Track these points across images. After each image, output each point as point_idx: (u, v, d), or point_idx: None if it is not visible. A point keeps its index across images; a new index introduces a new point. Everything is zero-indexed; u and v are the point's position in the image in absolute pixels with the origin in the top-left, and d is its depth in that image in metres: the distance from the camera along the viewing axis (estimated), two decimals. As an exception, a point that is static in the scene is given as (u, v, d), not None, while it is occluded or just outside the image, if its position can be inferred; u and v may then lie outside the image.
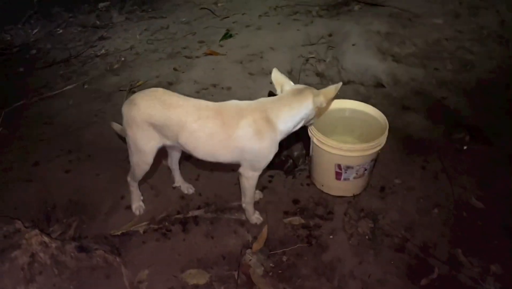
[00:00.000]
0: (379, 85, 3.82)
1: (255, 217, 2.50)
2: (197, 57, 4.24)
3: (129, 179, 2.48)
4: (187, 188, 2.71)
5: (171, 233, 2.45)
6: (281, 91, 2.26)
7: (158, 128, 2.18)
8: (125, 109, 2.25)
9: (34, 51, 5.05)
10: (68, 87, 4.00)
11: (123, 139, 2.50)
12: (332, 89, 2.20)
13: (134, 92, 3.72)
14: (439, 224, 2.52)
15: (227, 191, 2.72)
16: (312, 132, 2.50)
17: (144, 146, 2.26)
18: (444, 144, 3.07)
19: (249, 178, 2.28)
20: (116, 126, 2.55)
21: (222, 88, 3.64)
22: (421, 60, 3.95)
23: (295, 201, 2.66)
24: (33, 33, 5.70)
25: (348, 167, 2.49)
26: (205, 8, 5.58)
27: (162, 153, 2.40)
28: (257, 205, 2.61)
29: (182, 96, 2.22)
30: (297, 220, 2.53)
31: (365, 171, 2.56)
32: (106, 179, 2.83)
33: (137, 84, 3.85)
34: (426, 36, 4.32)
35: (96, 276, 2.14)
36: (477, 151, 3.03)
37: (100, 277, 2.15)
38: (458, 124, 3.27)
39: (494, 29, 4.46)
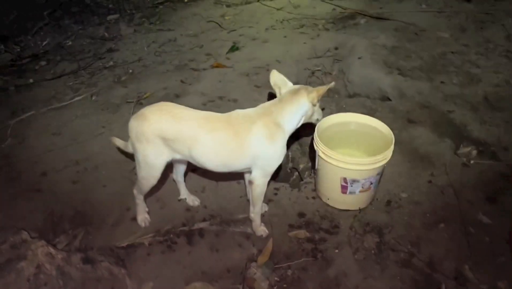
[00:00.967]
0: (385, 98, 3.82)
1: (262, 229, 2.50)
2: (204, 69, 4.27)
3: (135, 192, 2.50)
4: (192, 200, 2.71)
5: (176, 245, 2.45)
6: (280, 93, 2.34)
7: (169, 142, 2.20)
8: (133, 123, 2.26)
9: (43, 63, 5.12)
10: (77, 98, 4.04)
11: (125, 153, 2.52)
12: (324, 87, 2.28)
13: (141, 104, 3.78)
14: (445, 239, 2.50)
15: (233, 204, 2.73)
16: (318, 145, 2.50)
17: (153, 160, 2.27)
18: (451, 158, 3.06)
19: (260, 184, 2.30)
20: (118, 141, 2.56)
21: (229, 100, 3.66)
22: (427, 73, 3.96)
23: (301, 214, 2.66)
24: (43, 44, 5.79)
25: (354, 181, 2.49)
26: (212, 21, 5.64)
27: (168, 166, 2.42)
28: (262, 218, 2.61)
29: (191, 109, 2.26)
30: (302, 233, 2.52)
31: (371, 185, 2.55)
32: (112, 190, 2.85)
33: (144, 96, 3.88)
34: (432, 49, 4.33)
35: (101, 288, 2.14)
36: (484, 165, 3.01)
37: (105, 289, 2.15)
38: (464, 138, 3.26)
39: (500, 43, 4.46)
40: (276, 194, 2.81)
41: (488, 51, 4.35)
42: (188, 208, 2.70)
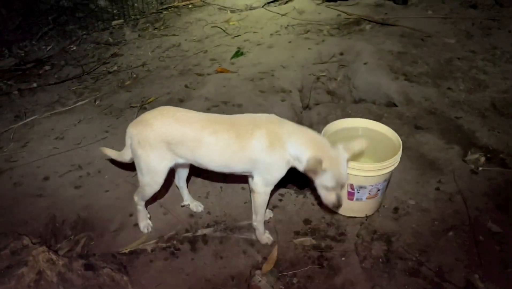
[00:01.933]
0: (391, 104, 3.78)
1: (266, 237, 2.45)
2: (208, 74, 4.25)
3: (136, 198, 2.45)
4: (196, 206, 2.67)
5: (179, 252, 2.40)
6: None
7: (172, 146, 2.17)
8: (134, 130, 2.23)
9: (48, 67, 5.11)
10: (80, 103, 4.02)
11: (115, 162, 2.49)
12: (343, 174, 2.15)
13: (145, 108, 3.75)
14: (454, 247, 2.44)
15: (237, 210, 2.68)
16: (324, 151, 2.46)
17: (156, 166, 2.24)
18: (459, 165, 3.01)
19: (261, 193, 2.26)
20: (109, 151, 2.53)
21: (233, 105, 3.63)
22: (433, 79, 3.92)
23: (306, 221, 2.61)
24: (47, 49, 5.78)
25: (360, 187, 2.44)
26: (216, 27, 5.62)
27: (171, 172, 2.38)
28: (267, 224, 2.57)
29: (194, 112, 2.25)
30: (308, 240, 2.47)
31: (378, 192, 2.51)
32: (115, 195, 2.81)
33: (148, 100, 3.85)
34: (439, 55, 4.30)
35: (103, 295, 2.10)
36: (493, 173, 2.96)
37: (106, 296, 2.11)
38: (472, 145, 3.22)
39: (507, 49, 4.43)
40: (281, 200, 2.76)
41: (495, 57, 4.31)
42: (192, 214, 2.66)
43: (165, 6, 6.89)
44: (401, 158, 2.45)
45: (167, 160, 2.24)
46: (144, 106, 3.77)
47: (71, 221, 2.68)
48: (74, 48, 5.71)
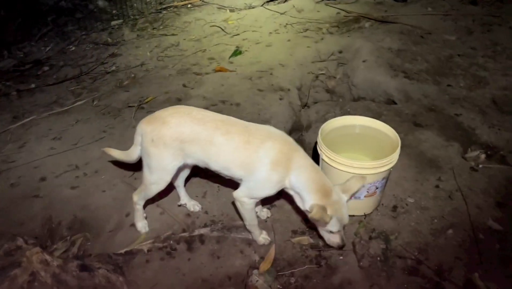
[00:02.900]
0: (391, 101, 3.75)
1: (262, 238, 2.42)
2: (206, 73, 4.23)
3: (136, 198, 2.43)
4: (193, 206, 2.65)
5: (176, 252, 2.38)
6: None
7: (185, 144, 2.16)
8: (148, 128, 2.21)
9: (46, 68, 5.10)
10: (78, 103, 4.01)
11: (113, 162, 2.46)
12: (346, 216, 2.19)
13: (143, 108, 3.73)
14: (454, 246, 2.42)
15: (234, 209, 2.65)
16: (321, 149, 2.44)
17: (168, 164, 2.24)
18: (459, 162, 2.98)
19: (244, 203, 2.22)
20: (114, 152, 2.51)
21: (231, 104, 3.60)
22: (433, 76, 3.89)
23: (304, 220, 2.58)
24: (46, 50, 5.78)
25: (358, 185, 2.41)
26: (215, 26, 5.60)
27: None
28: (264, 223, 2.55)
29: (209, 112, 2.26)
30: (306, 239, 2.45)
31: (377, 190, 2.48)
32: (112, 196, 2.79)
33: (146, 100, 3.83)
34: (439, 52, 4.27)
35: (98, 296, 2.08)
36: (493, 170, 2.93)
37: (102, 297, 2.09)
38: (472, 142, 3.19)
39: (508, 46, 4.39)
40: (278, 198, 2.73)
41: (495, 53, 4.28)
42: (189, 214, 2.64)
43: (164, 6, 6.87)
44: (400, 156, 2.42)
45: (178, 159, 2.23)
46: (142, 106, 3.75)
47: (67, 221, 2.66)
48: (73, 48, 5.71)
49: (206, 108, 3.57)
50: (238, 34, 5.19)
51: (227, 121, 2.20)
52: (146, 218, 2.56)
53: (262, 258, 2.36)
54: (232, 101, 3.64)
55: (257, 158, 2.09)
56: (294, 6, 5.96)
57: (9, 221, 2.65)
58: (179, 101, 3.76)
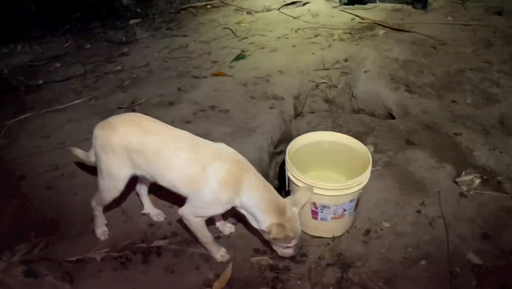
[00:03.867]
0: (389, 115, 3.56)
1: (220, 255, 2.32)
2: (204, 77, 4.16)
3: (94, 203, 2.40)
4: (157, 215, 2.59)
5: (130, 263, 2.32)
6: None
7: (132, 154, 2.12)
8: (100, 132, 2.20)
9: (58, 64, 5.20)
10: (75, 102, 4.05)
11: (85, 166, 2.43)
12: (299, 228, 2.14)
13: (134, 110, 3.72)
14: (425, 278, 2.23)
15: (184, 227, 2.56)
16: (287, 166, 2.31)
17: (117, 172, 2.20)
18: (448, 186, 2.77)
19: (190, 220, 2.15)
20: (79, 152, 2.50)
21: (220, 110, 3.53)
22: (437, 91, 3.65)
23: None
24: (65, 46, 5.91)
25: (324, 206, 2.28)
26: (227, 28, 5.54)
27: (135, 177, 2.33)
28: (227, 239, 2.45)
29: (162, 123, 2.19)
30: (265, 260, 2.33)
31: (345, 212, 2.33)
32: (81, 199, 2.75)
33: (139, 102, 3.82)
34: (449, 65, 4.02)
35: (42, 303, 2.05)
36: (485, 197, 2.70)
37: (45, 305, 2.06)
38: (468, 164, 2.96)
39: (528, 61, 4.08)
40: (246, 214, 2.63)
41: (512, 69, 3.98)
42: (152, 224, 2.58)
43: (184, 6, 6.90)
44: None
45: (127, 168, 2.19)
46: (133, 108, 3.74)
47: (37, 223, 2.66)
48: (88, 46, 5.80)
49: (195, 113, 3.53)
50: (246, 38, 5.10)
51: (177, 135, 2.13)
52: (107, 225, 2.52)
53: (217, 276, 2.26)
54: (222, 108, 3.56)
55: (204, 178, 2.01)
56: (309, 11, 5.81)
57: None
58: (170, 104, 3.73)
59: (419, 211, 2.60)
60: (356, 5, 5.74)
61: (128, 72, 4.60)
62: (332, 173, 2.59)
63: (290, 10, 5.93)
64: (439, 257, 2.33)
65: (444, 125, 3.27)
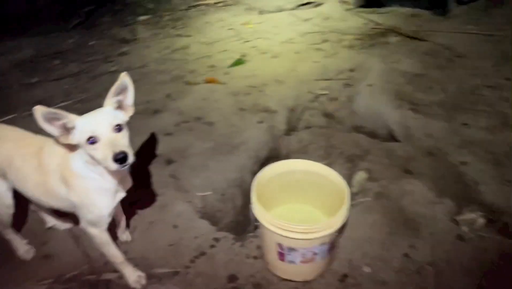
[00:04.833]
0: (390, 137, 3.23)
1: (134, 280, 2.08)
2: (196, 84, 3.91)
3: None
4: (63, 224, 2.44)
5: (75, 297, 2.11)
6: None
7: None
8: None
9: (57, 62, 5.06)
10: (62, 104, 3.88)
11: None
12: None
13: (116, 117, 3.50)
14: (404, 340, 1.93)
15: (158, 253, 2.32)
16: (252, 200, 2.04)
17: None
18: (444, 226, 2.43)
19: (93, 235, 1.91)
20: None
21: (204, 123, 3.27)
22: (448, 111, 3.28)
23: (231, 278, 2.19)
24: (69, 42, 5.77)
25: (291, 249, 2.00)
26: (232, 29, 5.27)
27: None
28: (185, 275, 2.20)
29: (21, 131, 1.98)
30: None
31: (316, 256, 2.04)
32: (36, 217, 2.57)
33: (124, 108, 3.60)
34: (464, 81, 3.62)
35: None
36: (486, 242, 2.35)
37: None
38: (472, 200, 2.60)
39: (554, 80, 3.64)
40: (213, 246, 2.36)
41: (535, 88, 3.56)
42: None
43: (197, 3, 6.67)
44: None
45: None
46: (116, 115, 3.52)
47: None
48: (92, 43, 5.64)
49: (177, 124, 3.29)
50: (250, 41, 4.82)
51: (27, 141, 1.92)
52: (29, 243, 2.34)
53: (167, 319, 2.02)
54: (207, 120, 3.30)
55: (54, 184, 1.79)
56: (321, 13, 5.47)
57: None
58: (155, 113, 3.49)
59: (406, 255, 2.28)
60: (373, 8, 5.36)
61: (123, 74, 4.39)
62: (309, 206, 2.30)
63: (302, 12, 5.60)
64: (423, 313, 2.01)
65: (449, 152, 2.91)
